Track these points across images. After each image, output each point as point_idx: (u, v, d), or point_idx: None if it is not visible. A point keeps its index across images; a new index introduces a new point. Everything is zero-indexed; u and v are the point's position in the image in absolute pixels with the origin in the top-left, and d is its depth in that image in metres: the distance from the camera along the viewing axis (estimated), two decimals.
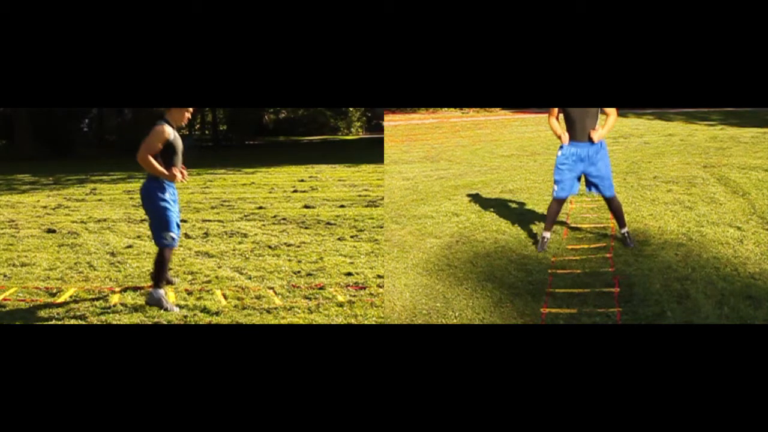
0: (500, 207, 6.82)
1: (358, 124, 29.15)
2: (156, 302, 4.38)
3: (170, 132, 4.28)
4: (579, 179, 5.09)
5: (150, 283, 4.99)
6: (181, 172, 4.42)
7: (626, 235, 5.16)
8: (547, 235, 5.20)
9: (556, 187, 5.08)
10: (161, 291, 4.42)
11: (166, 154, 4.31)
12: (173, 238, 4.40)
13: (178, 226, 4.50)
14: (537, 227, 5.86)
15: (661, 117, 17.32)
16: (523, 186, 8.04)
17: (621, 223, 5.18)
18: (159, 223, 4.37)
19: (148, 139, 4.24)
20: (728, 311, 3.81)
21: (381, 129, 22.36)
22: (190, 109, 4.43)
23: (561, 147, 5.04)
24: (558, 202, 5.14)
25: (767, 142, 11.16)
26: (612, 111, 4.98)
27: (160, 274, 4.42)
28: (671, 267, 4.59)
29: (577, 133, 4.93)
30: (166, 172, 4.29)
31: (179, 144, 4.37)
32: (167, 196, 4.37)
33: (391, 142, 14.23)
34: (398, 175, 9.49)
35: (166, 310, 4.32)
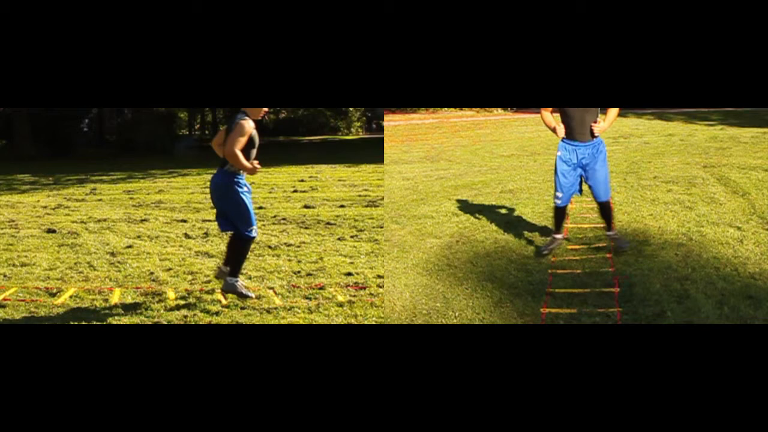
0: (500, 207, 6.81)
1: (358, 124, 29.13)
2: (232, 289, 4.48)
3: (253, 125, 4.35)
4: (577, 182, 4.96)
5: (149, 284, 5.00)
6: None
7: (616, 237, 5.00)
8: (559, 236, 5.08)
9: (558, 195, 4.92)
10: (239, 279, 4.52)
11: (246, 146, 4.35)
12: (255, 230, 4.49)
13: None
14: (538, 227, 5.86)
15: (661, 117, 17.31)
16: (523, 186, 8.04)
17: (609, 225, 5.02)
18: (242, 216, 4.43)
19: (234, 134, 4.27)
20: (728, 311, 3.81)
21: (381, 129, 22.37)
22: None
23: (559, 149, 4.90)
24: (561, 209, 5.02)
25: (767, 142, 11.15)
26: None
27: (239, 264, 4.52)
28: (671, 267, 4.59)
29: (576, 131, 4.77)
30: (249, 166, 4.35)
31: (257, 138, 4.43)
32: (245, 189, 4.46)
33: (391, 142, 14.23)
34: (398, 175, 9.49)
35: (243, 296, 4.46)
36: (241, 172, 4.39)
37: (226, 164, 4.37)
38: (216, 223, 4.65)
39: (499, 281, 4.52)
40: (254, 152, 4.42)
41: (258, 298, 4.59)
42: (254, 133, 4.35)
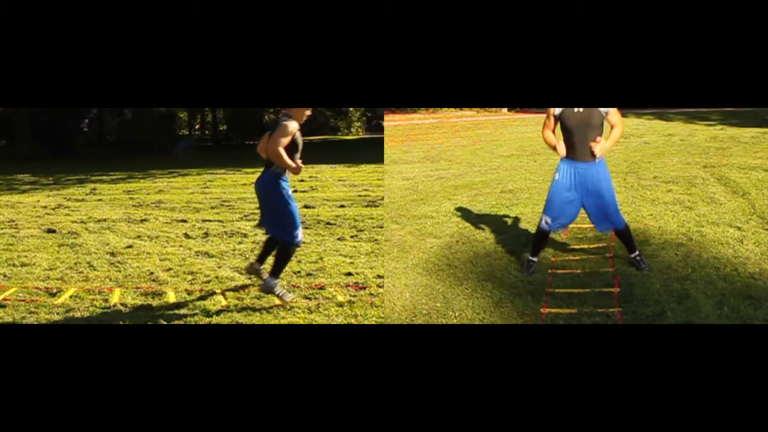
0: (500, 207, 6.81)
1: (358, 124, 29.15)
2: (270, 290, 4.42)
3: (296, 127, 4.31)
4: (575, 207, 4.48)
5: (149, 284, 5.00)
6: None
7: (638, 259, 4.59)
8: (535, 259, 4.66)
9: (546, 219, 4.49)
10: (277, 281, 4.44)
11: (289, 149, 4.31)
12: (300, 234, 4.43)
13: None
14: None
15: (661, 117, 17.31)
16: (523, 186, 8.04)
17: (631, 248, 4.62)
18: (288, 220, 4.37)
19: (277, 134, 4.24)
20: (728, 311, 3.81)
21: (381, 129, 22.38)
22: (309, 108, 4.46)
23: (557, 169, 4.45)
24: (544, 234, 4.59)
25: (767, 142, 11.15)
26: (618, 122, 4.37)
27: (281, 267, 4.45)
28: (671, 267, 4.59)
29: (577, 149, 4.34)
30: (294, 165, 4.31)
31: (300, 140, 4.39)
32: (291, 192, 4.41)
33: (391, 142, 14.23)
34: (398, 175, 9.49)
35: (281, 297, 4.40)
36: (286, 174, 4.36)
37: (272, 165, 4.34)
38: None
39: (499, 281, 4.52)
40: (298, 155, 4.37)
41: (258, 298, 4.59)
42: (298, 135, 4.31)
